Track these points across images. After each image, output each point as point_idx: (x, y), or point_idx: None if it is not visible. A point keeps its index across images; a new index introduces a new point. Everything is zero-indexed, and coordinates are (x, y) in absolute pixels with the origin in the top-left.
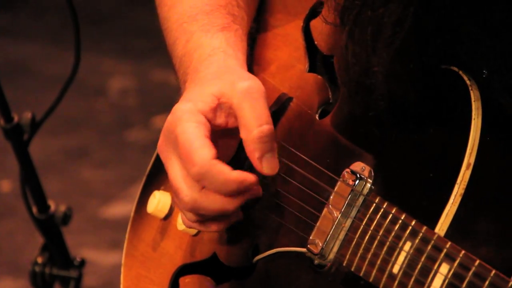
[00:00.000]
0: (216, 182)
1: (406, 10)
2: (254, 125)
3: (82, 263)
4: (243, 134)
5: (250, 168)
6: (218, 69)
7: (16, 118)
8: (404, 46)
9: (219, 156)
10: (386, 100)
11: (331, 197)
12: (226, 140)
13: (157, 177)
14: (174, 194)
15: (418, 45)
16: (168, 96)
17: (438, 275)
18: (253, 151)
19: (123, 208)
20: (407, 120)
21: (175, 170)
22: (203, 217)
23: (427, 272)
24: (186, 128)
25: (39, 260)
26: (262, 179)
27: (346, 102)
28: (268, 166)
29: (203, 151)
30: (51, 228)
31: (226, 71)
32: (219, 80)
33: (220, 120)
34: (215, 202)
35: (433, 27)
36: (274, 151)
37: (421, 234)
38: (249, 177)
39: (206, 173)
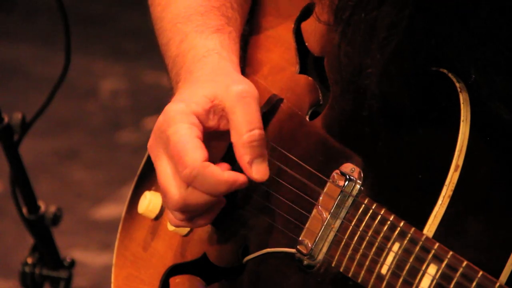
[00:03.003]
0: (207, 184)
1: (401, 12)
2: (245, 129)
3: (72, 263)
4: (233, 138)
5: (239, 171)
6: (212, 70)
7: (6, 119)
8: (398, 48)
9: (209, 158)
10: (378, 100)
11: (321, 198)
12: (217, 142)
13: (148, 177)
14: (162, 193)
15: (412, 47)
16: (159, 97)
17: (426, 275)
18: (243, 155)
19: (114, 209)
20: (397, 121)
21: (164, 170)
22: (190, 214)
23: (415, 273)
24: (179, 129)
25: (29, 260)
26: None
27: (336, 103)
28: (257, 171)
29: (195, 153)
30: (41, 229)
31: (220, 73)
32: (213, 82)
33: (212, 122)
34: (202, 198)
35: (425, 29)
36: (264, 157)
37: (409, 235)
38: (240, 178)
39: (197, 175)
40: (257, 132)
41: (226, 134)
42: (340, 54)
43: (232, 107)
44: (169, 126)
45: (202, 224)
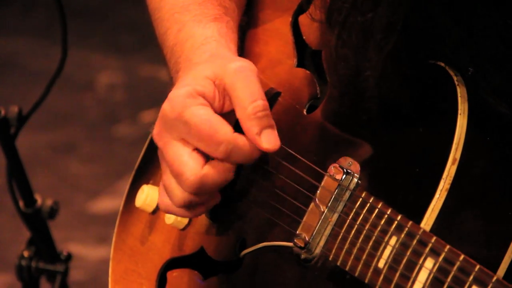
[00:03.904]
0: (242, 153)
1: (397, 13)
2: (248, 101)
3: (69, 257)
4: (238, 113)
5: None
6: (210, 56)
7: (3, 112)
8: (395, 49)
9: None
10: (376, 102)
11: (318, 191)
12: None
13: (145, 171)
14: (177, 178)
15: (408, 47)
16: (156, 91)
17: (423, 269)
18: (250, 128)
19: (111, 203)
20: (394, 116)
21: (177, 154)
22: (201, 198)
23: (412, 267)
24: (195, 111)
25: (26, 254)
26: (249, 172)
27: (334, 98)
28: (267, 140)
29: (223, 127)
30: (38, 222)
31: (218, 57)
32: (211, 63)
33: (219, 103)
34: (222, 172)
35: (422, 27)
36: (272, 126)
37: (406, 229)
38: (262, 142)
39: (234, 148)
40: (261, 103)
41: (230, 115)
42: (337, 56)
43: (232, 83)
44: (183, 111)
45: (201, 211)
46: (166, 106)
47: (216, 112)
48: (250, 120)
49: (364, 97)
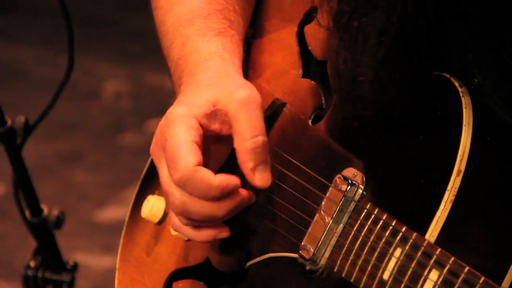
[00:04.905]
0: (198, 189)
1: (390, 18)
2: (249, 135)
3: (75, 267)
4: (237, 144)
5: (241, 177)
6: (214, 74)
7: (9, 122)
8: (389, 55)
9: (210, 162)
10: (374, 109)
11: (323, 203)
12: (219, 146)
13: (151, 181)
14: (165, 196)
15: (404, 53)
16: (162, 100)
17: (428, 281)
18: (246, 162)
19: (117, 212)
20: (398, 126)
21: (165, 173)
22: (194, 222)
23: (417, 279)
24: (176, 132)
25: (32, 263)
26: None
27: (338, 108)
28: (260, 178)
29: (187, 157)
30: (44, 232)
31: (222, 77)
32: (216, 86)
33: (214, 126)
34: (203, 207)
35: (421, 34)
36: (267, 163)
37: (411, 241)
38: (231, 181)
39: (188, 180)
40: (261, 139)
41: (228, 139)
42: (339, 60)
43: (235, 113)
44: (168, 128)
45: (200, 239)
46: (162, 121)
47: (210, 134)
48: (248, 154)
49: (363, 103)
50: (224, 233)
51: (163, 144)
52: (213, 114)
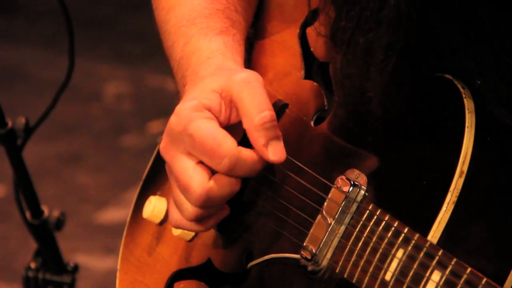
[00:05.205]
0: (246, 167)
1: (397, 33)
2: (255, 112)
3: (76, 268)
4: (245, 124)
5: None
6: (216, 69)
7: (10, 123)
8: (397, 69)
9: None
10: (382, 122)
11: (325, 203)
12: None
13: (153, 182)
14: (184, 192)
15: (411, 65)
16: (163, 101)
17: (430, 282)
18: (257, 139)
19: (118, 214)
20: (399, 129)
21: (184, 167)
22: (209, 211)
23: (419, 279)
24: (200, 124)
25: (33, 265)
26: (257, 184)
27: (340, 113)
28: (274, 152)
29: (227, 141)
30: (45, 233)
31: (223, 70)
32: (218, 76)
33: (225, 115)
34: (227, 185)
35: (426, 44)
36: (279, 137)
37: (413, 242)
38: (266, 154)
39: (237, 161)
40: (268, 114)
41: (237, 127)
42: (342, 76)
43: (239, 94)
44: (188, 124)
45: (211, 224)
46: (172, 119)
47: (222, 124)
48: (257, 131)
49: (369, 117)
50: (225, 212)
51: (183, 141)
52: (222, 103)
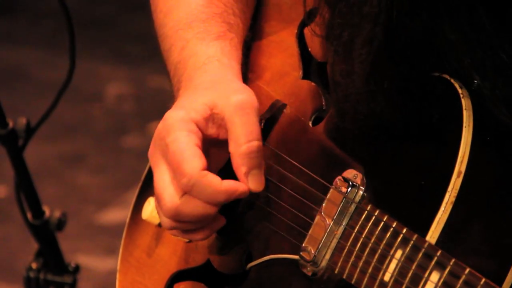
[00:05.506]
0: (205, 193)
1: (374, 29)
2: (244, 140)
3: (77, 268)
4: (231, 148)
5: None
6: (212, 78)
7: (11, 124)
8: (376, 65)
9: (209, 166)
10: (372, 118)
11: (324, 204)
12: (217, 151)
13: (152, 183)
14: (157, 200)
15: (393, 62)
16: (164, 102)
17: (428, 283)
18: (240, 166)
19: (119, 214)
20: (396, 130)
21: (161, 177)
22: (183, 225)
23: (418, 280)
24: (177, 136)
25: (34, 265)
26: None
27: (336, 113)
28: (254, 182)
29: (193, 161)
30: (46, 234)
31: (220, 81)
32: (213, 90)
33: (212, 131)
34: (195, 207)
35: (413, 41)
36: (261, 168)
37: (412, 242)
38: (240, 187)
39: (195, 184)
40: (255, 144)
41: (226, 143)
42: (334, 73)
43: (231, 118)
44: (168, 134)
45: (196, 238)
46: (160, 125)
47: (210, 137)
48: (242, 159)
49: (358, 115)
50: (220, 223)
51: (162, 149)
52: (210, 118)
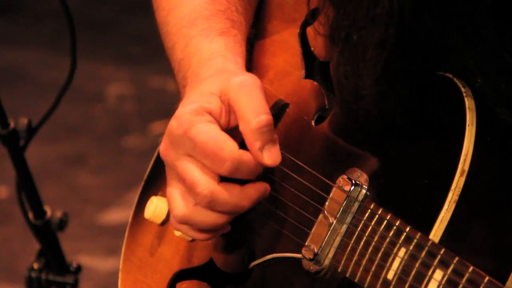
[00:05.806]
0: (249, 170)
1: (388, 31)
2: (252, 116)
3: (78, 269)
4: (241, 127)
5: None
6: (216, 71)
7: (12, 124)
8: (388, 67)
9: None
10: (379, 120)
11: (327, 203)
12: None
13: (154, 182)
14: (189, 190)
15: (404, 64)
16: (165, 102)
17: (432, 281)
18: (253, 142)
19: (120, 214)
20: (400, 129)
21: (190, 167)
22: (217, 208)
23: (421, 278)
24: (201, 128)
25: (35, 266)
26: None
27: (340, 113)
28: (269, 156)
29: (229, 145)
30: (48, 234)
31: (224, 70)
32: (216, 77)
33: (225, 119)
34: (234, 195)
35: (420, 43)
36: (275, 141)
37: (415, 240)
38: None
39: (239, 164)
40: (265, 117)
41: (236, 130)
42: (339, 74)
43: (236, 97)
44: (189, 128)
45: (201, 238)
46: (173, 123)
47: (222, 127)
48: (254, 135)
49: (366, 115)
50: (227, 228)
51: (185, 145)
52: (221, 106)
